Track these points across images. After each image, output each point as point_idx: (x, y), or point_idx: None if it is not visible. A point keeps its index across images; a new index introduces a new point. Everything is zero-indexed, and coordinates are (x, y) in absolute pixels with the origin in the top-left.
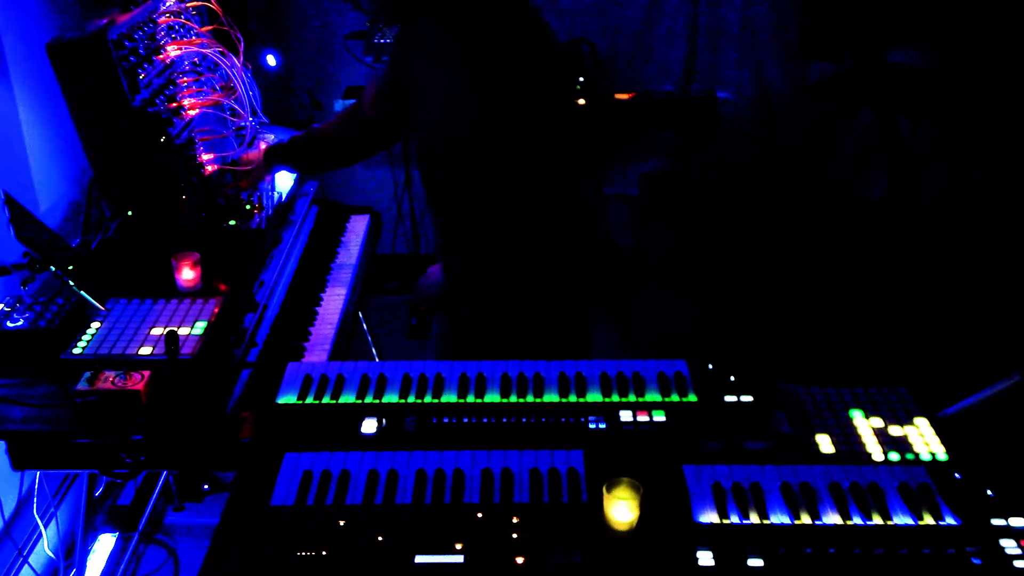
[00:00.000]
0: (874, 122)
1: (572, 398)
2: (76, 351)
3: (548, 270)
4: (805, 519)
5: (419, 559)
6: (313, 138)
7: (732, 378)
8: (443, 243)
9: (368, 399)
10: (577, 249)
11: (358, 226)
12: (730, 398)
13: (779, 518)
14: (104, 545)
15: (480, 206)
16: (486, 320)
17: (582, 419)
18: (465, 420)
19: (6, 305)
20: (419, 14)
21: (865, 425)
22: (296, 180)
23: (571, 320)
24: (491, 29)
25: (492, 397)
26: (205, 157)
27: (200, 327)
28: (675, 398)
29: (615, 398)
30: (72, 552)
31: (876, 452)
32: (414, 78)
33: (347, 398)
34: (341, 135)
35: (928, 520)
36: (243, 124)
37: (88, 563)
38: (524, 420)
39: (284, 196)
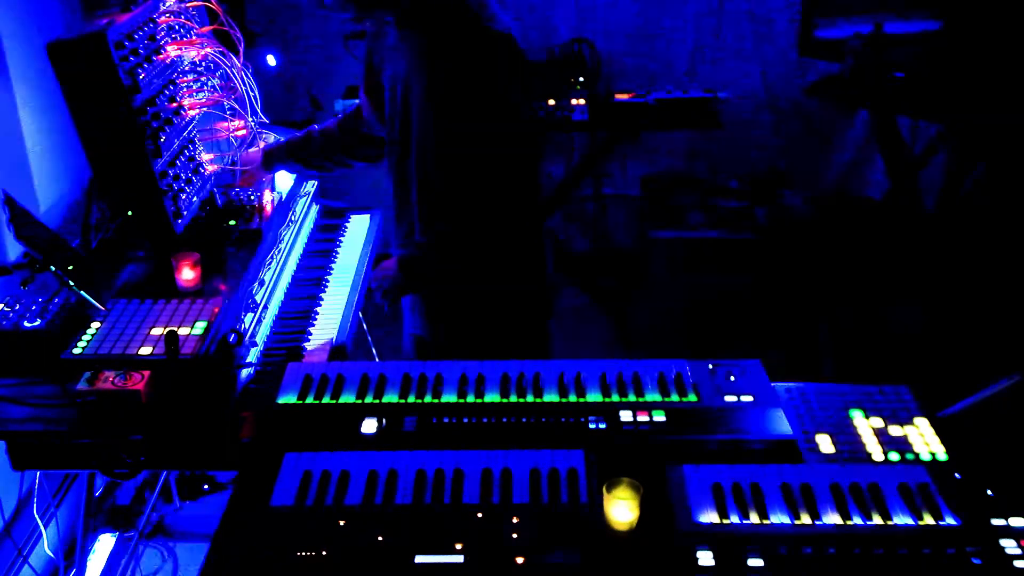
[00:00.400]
0: (874, 122)
1: (572, 398)
2: (76, 351)
3: (494, 273)
4: (805, 519)
5: (419, 559)
6: (313, 139)
7: (732, 378)
8: (398, 236)
9: (368, 399)
10: (525, 256)
11: (358, 226)
12: (730, 398)
13: (779, 518)
14: (104, 545)
15: (429, 204)
16: (432, 315)
17: (582, 419)
18: (465, 420)
19: (6, 305)
20: (382, 12)
21: (865, 425)
22: (296, 180)
23: (521, 324)
24: (445, 32)
25: (492, 397)
26: (205, 157)
27: (200, 327)
28: (675, 398)
29: (615, 398)
30: (72, 552)
31: (876, 452)
32: (383, 74)
33: (347, 398)
34: (342, 137)
35: (928, 520)
36: (243, 124)
37: (88, 563)
38: (524, 420)
39: (284, 196)
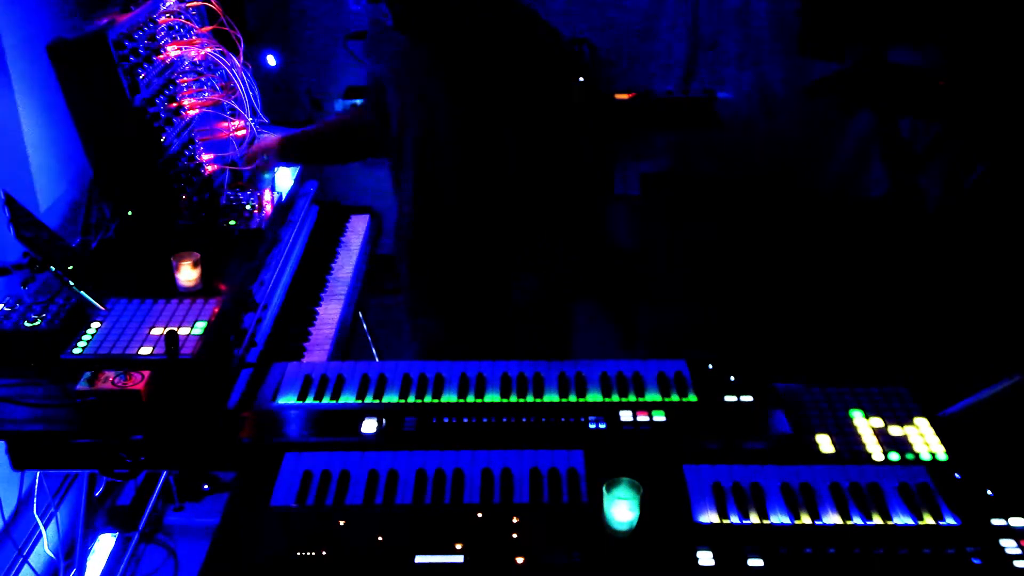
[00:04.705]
0: (874, 122)
1: (572, 398)
2: (76, 351)
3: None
4: (805, 519)
5: (419, 559)
6: (327, 134)
7: (732, 378)
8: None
9: (368, 399)
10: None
11: (358, 226)
12: (730, 398)
13: (779, 518)
14: (104, 545)
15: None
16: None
17: (582, 419)
18: (465, 420)
19: (6, 305)
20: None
21: (865, 425)
22: (296, 180)
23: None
24: (461, 37)
25: (492, 397)
26: (205, 157)
27: (200, 327)
28: (675, 398)
29: (615, 398)
30: (72, 552)
31: (876, 452)
32: (382, 76)
33: (347, 398)
34: (356, 132)
35: (928, 520)
36: (243, 124)
37: (88, 563)
38: (524, 420)
39: (284, 196)
